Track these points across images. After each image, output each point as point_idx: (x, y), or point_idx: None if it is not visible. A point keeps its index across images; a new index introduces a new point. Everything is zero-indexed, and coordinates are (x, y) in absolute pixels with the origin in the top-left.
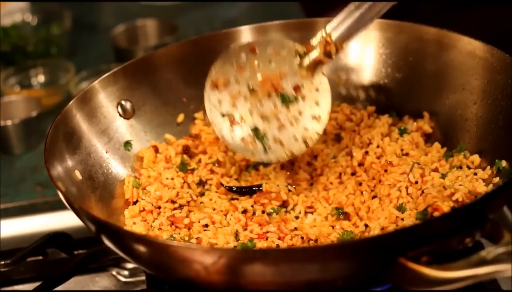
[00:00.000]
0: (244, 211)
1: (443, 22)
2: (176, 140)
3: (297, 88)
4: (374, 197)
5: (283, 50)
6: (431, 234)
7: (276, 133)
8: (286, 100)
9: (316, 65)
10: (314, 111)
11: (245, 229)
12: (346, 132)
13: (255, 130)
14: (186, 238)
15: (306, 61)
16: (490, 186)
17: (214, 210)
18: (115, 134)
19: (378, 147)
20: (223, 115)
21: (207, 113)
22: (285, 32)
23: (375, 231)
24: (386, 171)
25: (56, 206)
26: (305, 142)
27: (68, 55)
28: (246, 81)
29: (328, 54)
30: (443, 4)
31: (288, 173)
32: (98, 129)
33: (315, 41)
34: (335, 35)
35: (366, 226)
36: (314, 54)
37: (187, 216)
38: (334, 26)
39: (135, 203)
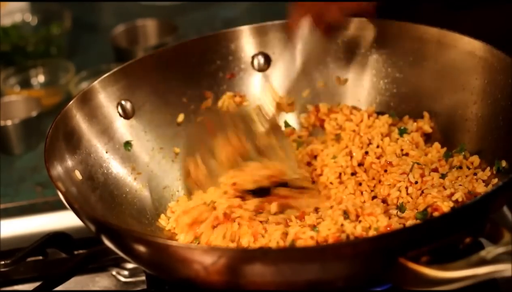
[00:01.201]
0: None
1: (444, 21)
2: None
3: (261, 153)
4: (374, 197)
5: (241, 123)
6: (431, 234)
7: None
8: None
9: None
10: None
11: None
12: (346, 132)
13: None
14: None
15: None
16: (490, 186)
17: None
18: (115, 134)
19: (378, 147)
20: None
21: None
22: (285, 32)
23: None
24: (386, 171)
25: (56, 206)
26: None
27: (68, 55)
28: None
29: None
30: (444, 3)
31: None
32: (98, 129)
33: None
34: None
35: None
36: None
37: None
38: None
39: None
